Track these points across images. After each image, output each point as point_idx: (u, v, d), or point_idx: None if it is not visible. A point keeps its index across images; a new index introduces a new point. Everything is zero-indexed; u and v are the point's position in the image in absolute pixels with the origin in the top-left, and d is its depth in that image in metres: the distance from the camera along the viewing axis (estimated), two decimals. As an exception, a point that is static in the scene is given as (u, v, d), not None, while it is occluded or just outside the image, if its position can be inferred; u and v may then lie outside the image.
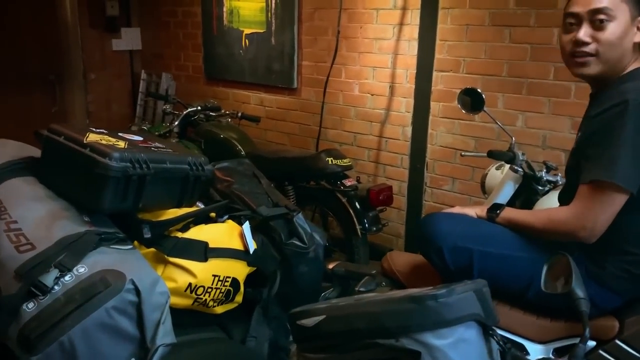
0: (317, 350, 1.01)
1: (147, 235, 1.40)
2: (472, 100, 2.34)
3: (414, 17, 3.30)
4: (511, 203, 2.50)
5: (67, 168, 1.35)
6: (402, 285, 1.81)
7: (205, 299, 1.45)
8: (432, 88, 3.29)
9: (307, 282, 1.67)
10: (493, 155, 2.30)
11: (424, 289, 1.03)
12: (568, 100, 2.82)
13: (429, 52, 3.26)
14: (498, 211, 1.68)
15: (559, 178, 2.38)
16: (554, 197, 2.32)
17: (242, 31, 4.25)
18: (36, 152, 1.51)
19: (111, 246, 1.29)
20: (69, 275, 1.16)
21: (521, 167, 2.33)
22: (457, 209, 1.78)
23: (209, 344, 1.48)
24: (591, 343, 1.54)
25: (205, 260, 1.43)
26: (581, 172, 1.50)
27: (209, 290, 1.44)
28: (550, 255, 1.55)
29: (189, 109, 3.51)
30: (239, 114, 3.61)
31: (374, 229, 3.01)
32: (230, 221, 1.56)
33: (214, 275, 1.45)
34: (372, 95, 3.60)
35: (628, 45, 1.50)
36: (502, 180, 2.45)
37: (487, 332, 0.95)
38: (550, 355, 1.58)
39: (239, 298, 1.56)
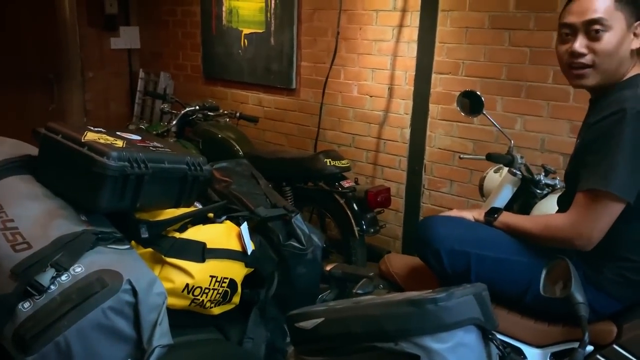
0: (315, 353, 1.00)
1: (145, 235, 1.39)
2: (471, 103, 2.34)
3: (413, 19, 3.30)
4: (509, 206, 2.50)
5: (65, 167, 1.35)
6: (399, 288, 1.81)
7: (203, 300, 1.44)
8: (431, 90, 3.28)
9: (304, 284, 1.66)
10: (492, 158, 2.30)
11: (422, 292, 1.03)
12: (567, 104, 2.82)
13: (428, 54, 3.25)
14: (496, 215, 1.67)
15: (557, 182, 2.39)
16: (552, 201, 2.32)
17: (241, 31, 4.24)
18: (33, 150, 1.51)
19: (108, 246, 1.28)
20: (66, 275, 1.16)
21: (519, 171, 2.33)
22: (454, 212, 1.78)
23: (205, 345, 1.47)
24: (589, 348, 1.54)
25: (202, 260, 1.42)
26: (579, 179, 1.49)
27: (206, 291, 1.43)
28: (548, 260, 1.55)
29: (187, 109, 3.50)
30: (237, 114, 3.60)
31: (372, 230, 3.00)
32: (228, 222, 1.55)
33: (212, 276, 1.44)
34: (370, 96, 3.59)
35: (625, 52, 1.49)
36: (501, 183, 2.45)
37: (486, 336, 0.94)
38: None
39: (236, 299, 1.55)
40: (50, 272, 1.15)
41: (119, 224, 1.40)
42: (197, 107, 3.54)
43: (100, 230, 1.28)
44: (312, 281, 1.69)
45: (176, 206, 1.51)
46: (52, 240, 1.21)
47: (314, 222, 3.39)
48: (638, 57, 1.55)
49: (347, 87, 3.69)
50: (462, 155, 2.55)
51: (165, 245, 1.40)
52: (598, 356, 1.52)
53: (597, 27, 1.46)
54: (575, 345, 1.55)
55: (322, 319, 0.96)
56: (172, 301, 1.36)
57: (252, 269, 1.59)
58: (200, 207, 1.62)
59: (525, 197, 2.45)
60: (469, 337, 0.91)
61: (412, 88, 3.36)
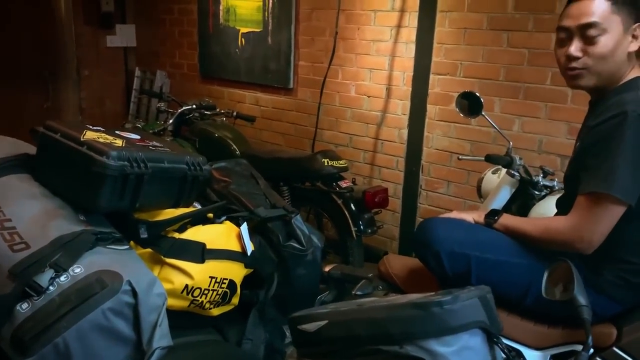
0: (318, 356, 0.99)
1: (144, 235, 1.38)
2: (470, 104, 2.33)
3: (411, 20, 3.29)
4: (507, 207, 2.50)
5: (64, 166, 1.33)
6: (399, 289, 1.80)
7: (202, 301, 1.43)
8: (429, 91, 3.28)
9: (304, 285, 1.65)
10: (491, 159, 2.30)
11: (426, 294, 1.02)
12: (565, 106, 2.83)
13: (426, 55, 3.25)
14: (496, 217, 1.67)
15: (555, 183, 2.39)
16: (550, 202, 2.33)
17: (239, 30, 4.23)
18: (31, 149, 1.49)
19: (107, 246, 1.26)
20: (65, 276, 1.14)
21: (518, 172, 2.33)
22: (454, 214, 1.77)
23: (204, 346, 1.46)
24: (590, 350, 1.54)
25: (202, 261, 1.41)
26: (580, 182, 1.49)
27: (206, 292, 1.42)
28: (549, 262, 1.55)
29: (184, 107, 3.48)
30: (234, 113, 3.58)
31: (369, 231, 3.00)
32: (228, 222, 1.54)
33: (211, 277, 1.43)
34: (368, 97, 3.59)
35: (622, 55, 1.49)
36: (499, 185, 2.45)
37: (491, 339, 0.94)
38: (548, 362, 1.58)
39: (235, 300, 1.54)
40: (49, 273, 1.13)
41: (117, 224, 1.39)
42: (194, 106, 3.52)
43: (99, 230, 1.27)
44: (311, 282, 1.68)
45: (175, 206, 1.49)
46: (50, 240, 1.19)
47: (311, 222, 3.38)
48: (638, 59, 1.55)
49: (345, 87, 3.69)
50: (460, 156, 2.54)
51: (164, 245, 1.38)
52: (598, 359, 1.51)
53: (592, 31, 1.46)
54: (575, 347, 1.57)
55: (325, 322, 0.95)
56: (171, 302, 1.35)
57: (252, 270, 1.58)
58: (199, 207, 1.61)
59: (523, 198, 2.45)
60: (474, 341, 0.90)
61: (410, 89, 3.35)
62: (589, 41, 1.47)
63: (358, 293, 1.74)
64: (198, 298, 1.41)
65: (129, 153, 1.31)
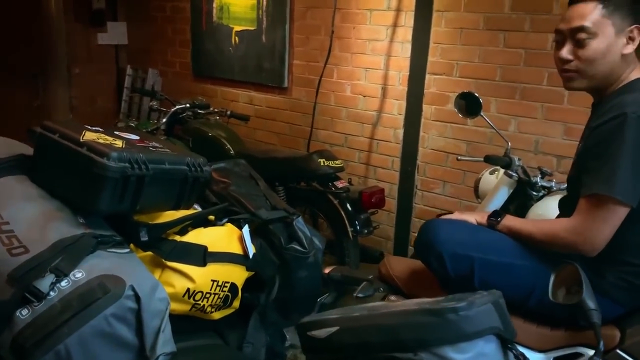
0: (328, 363, 0.97)
1: (144, 238, 1.34)
2: (469, 104, 2.33)
3: (407, 19, 3.28)
4: (505, 208, 2.50)
5: (62, 167, 1.30)
6: (400, 291, 1.79)
7: (203, 305, 1.40)
8: (425, 91, 3.27)
9: (305, 288, 1.63)
10: (490, 160, 2.30)
11: (436, 299, 1.00)
12: (561, 106, 2.83)
13: (422, 55, 3.24)
14: (499, 218, 1.66)
15: (553, 184, 2.39)
16: (548, 203, 2.33)
17: (232, 28, 4.19)
18: (26, 149, 1.45)
19: (108, 250, 1.23)
20: (66, 281, 1.11)
21: (516, 173, 2.33)
22: (456, 215, 1.76)
23: (206, 351, 1.43)
24: (591, 352, 1.53)
25: (204, 264, 1.38)
26: (582, 184, 1.49)
27: (207, 295, 1.40)
28: (553, 264, 1.54)
29: (178, 106, 3.44)
30: (228, 112, 3.55)
31: (366, 231, 2.98)
32: (229, 224, 1.51)
33: (213, 281, 1.40)
34: (364, 96, 3.57)
35: (614, 58, 1.50)
36: (497, 185, 2.44)
37: (505, 345, 0.92)
38: (551, 364, 1.57)
39: (236, 303, 1.52)
40: (50, 278, 1.10)
41: (116, 227, 1.36)
42: (188, 105, 3.49)
43: (100, 234, 1.24)
44: (313, 285, 1.66)
45: (176, 208, 1.46)
46: (50, 244, 1.16)
47: (307, 222, 3.34)
48: (637, 61, 1.55)
49: (340, 87, 3.67)
50: (459, 157, 2.54)
51: (165, 248, 1.35)
52: (601, 361, 1.51)
53: (582, 35, 1.48)
54: (578, 349, 1.56)
55: (336, 328, 0.93)
56: (173, 306, 1.32)
57: (253, 273, 1.55)
58: (199, 209, 1.58)
59: (521, 199, 2.45)
60: (489, 347, 0.89)
61: (406, 88, 3.34)
62: (579, 44, 1.50)
63: (359, 296, 1.73)
64: (199, 302, 1.39)
65: (130, 154, 1.28)
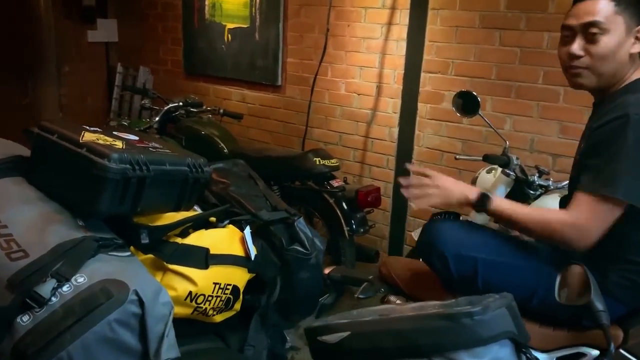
0: (339, 369, 0.96)
1: (145, 240, 1.32)
2: (467, 103, 2.32)
3: (402, 17, 3.27)
4: (502, 207, 2.49)
5: (61, 169, 1.27)
6: (401, 292, 1.77)
7: (206, 308, 1.38)
8: (420, 89, 3.26)
9: (307, 289, 1.61)
10: (488, 159, 2.29)
11: (446, 302, 0.99)
12: (557, 105, 2.84)
13: (417, 53, 3.23)
14: (488, 202, 1.54)
15: (550, 183, 2.40)
16: (545, 201, 2.33)
17: (225, 26, 4.16)
18: (23, 150, 1.42)
19: (109, 253, 1.20)
20: (67, 286, 1.08)
21: (514, 172, 2.33)
22: (449, 182, 1.58)
23: (209, 354, 1.41)
24: (594, 352, 1.53)
25: (206, 267, 1.36)
26: (581, 180, 1.48)
27: (210, 298, 1.37)
28: (556, 265, 1.54)
29: (170, 105, 3.41)
30: (221, 111, 3.52)
31: (362, 230, 2.98)
32: (230, 226, 1.49)
33: (215, 283, 1.38)
34: (358, 94, 3.56)
35: (624, 56, 1.49)
36: (494, 184, 2.45)
37: (519, 349, 0.91)
38: (554, 364, 1.57)
39: (237, 306, 1.50)
40: (51, 283, 1.07)
41: (116, 229, 1.33)
42: (180, 103, 3.46)
43: (100, 237, 1.21)
44: (315, 286, 1.64)
45: (176, 210, 1.44)
46: (50, 247, 1.13)
47: (302, 221, 3.33)
48: (639, 62, 1.55)
49: (335, 85, 3.65)
50: (457, 156, 2.53)
51: (167, 251, 1.33)
52: (604, 361, 1.51)
53: (594, 30, 1.46)
54: (581, 349, 1.56)
55: (347, 333, 0.92)
56: (175, 310, 1.28)
57: (254, 274, 1.53)
58: (199, 210, 1.56)
59: (518, 197, 2.45)
60: (504, 352, 0.88)
61: (401, 87, 3.33)
62: (590, 40, 1.47)
63: (360, 296, 1.71)
64: (202, 305, 1.36)
65: (131, 155, 1.25)
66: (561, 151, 2.81)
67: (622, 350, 1.49)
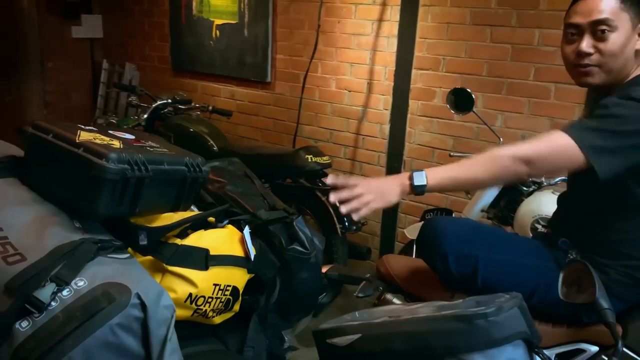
0: (349, 372, 0.94)
1: (144, 242, 1.29)
2: (461, 100, 2.32)
3: (393, 14, 3.26)
4: (495, 203, 2.51)
5: (57, 169, 1.23)
6: (400, 290, 1.77)
7: (205, 310, 1.35)
8: (411, 86, 3.26)
9: (307, 289, 1.59)
10: (483, 156, 2.28)
11: (456, 302, 0.98)
12: (548, 101, 2.85)
13: (408, 50, 3.23)
14: (425, 177, 1.41)
15: (543, 179, 2.41)
16: (538, 198, 2.35)
17: (213, 21, 4.11)
18: (15, 150, 1.38)
19: (108, 255, 1.17)
20: (67, 290, 1.05)
21: (508, 168, 2.33)
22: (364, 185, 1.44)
23: (209, 357, 1.39)
24: (594, 348, 1.54)
25: (206, 268, 1.34)
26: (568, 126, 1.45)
27: (210, 300, 1.35)
28: (557, 262, 1.55)
29: (159, 102, 3.37)
30: (210, 108, 3.49)
31: (354, 228, 2.97)
32: (230, 226, 1.47)
33: (215, 285, 1.36)
34: (349, 91, 3.54)
35: (630, 53, 1.49)
36: (488, 181, 2.44)
37: (532, 350, 0.91)
38: (553, 361, 1.57)
39: (236, 307, 1.48)
40: (50, 287, 1.04)
41: (112, 230, 1.30)
42: (169, 101, 3.41)
43: (99, 239, 1.18)
44: (314, 285, 1.62)
45: (175, 210, 1.41)
46: (48, 250, 1.10)
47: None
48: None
49: (325, 82, 3.63)
50: (452, 153, 2.53)
51: (166, 253, 1.30)
52: (603, 356, 1.52)
53: (603, 27, 1.46)
54: (580, 346, 1.57)
55: (358, 335, 0.90)
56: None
57: (253, 275, 1.51)
58: (196, 210, 1.53)
59: (511, 194, 2.46)
60: (517, 353, 0.87)
61: (392, 83, 3.32)
62: (599, 38, 1.47)
63: (360, 295, 1.70)
64: (202, 307, 1.34)
65: (129, 155, 1.22)
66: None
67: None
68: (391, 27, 3.28)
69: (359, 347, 0.91)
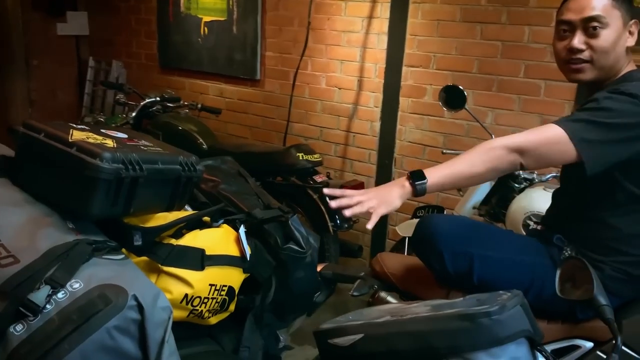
0: (352, 372, 0.94)
1: (138, 242, 1.27)
2: (453, 98, 2.32)
3: (383, 11, 3.25)
4: (487, 200, 2.52)
5: (50, 169, 1.20)
6: (395, 288, 1.76)
7: (201, 310, 1.34)
8: (402, 83, 3.26)
9: (302, 288, 1.58)
10: (475, 153, 2.29)
11: (456, 300, 0.98)
12: (538, 98, 2.86)
13: (398, 47, 3.22)
14: (425, 181, 1.43)
15: (535, 176, 2.42)
16: (530, 194, 2.35)
17: (201, 19, 4.08)
18: (6, 150, 1.35)
19: (103, 256, 1.15)
20: (62, 292, 1.03)
21: (500, 166, 2.34)
22: (367, 195, 1.51)
23: (205, 358, 1.38)
24: (588, 344, 1.55)
25: (202, 268, 1.32)
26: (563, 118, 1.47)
27: (206, 300, 1.33)
28: (552, 259, 1.55)
29: (147, 100, 3.33)
30: (199, 106, 3.46)
31: (346, 226, 2.97)
32: (225, 226, 1.45)
33: (211, 285, 1.34)
34: (339, 89, 3.53)
35: (621, 50, 1.51)
36: (479, 178, 2.45)
37: (535, 347, 0.91)
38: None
39: (232, 307, 1.46)
40: (45, 290, 1.02)
41: (105, 231, 1.28)
42: (158, 99, 3.38)
43: (94, 240, 1.16)
44: (310, 285, 1.61)
45: (169, 210, 1.40)
46: (42, 252, 1.07)
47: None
48: (631, 55, 1.57)
49: (315, 79, 3.62)
50: (444, 151, 2.53)
51: (162, 253, 1.28)
52: (598, 352, 1.53)
53: (595, 24, 1.48)
54: (575, 342, 1.58)
55: (361, 335, 0.90)
56: (171, 313, 1.26)
57: (248, 275, 1.50)
58: (190, 209, 1.51)
59: (503, 191, 2.47)
60: (521, 351, 0.87)
61: (382, 81, 3.32)
62: (591, 34, 1.49)
63: (354, 294, 1.70)
64: (198, 307, 1.32)
65: (123, 154, 1.20)
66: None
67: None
68: (381, 24, 3.27)
69: (361, 347, 0.91)
